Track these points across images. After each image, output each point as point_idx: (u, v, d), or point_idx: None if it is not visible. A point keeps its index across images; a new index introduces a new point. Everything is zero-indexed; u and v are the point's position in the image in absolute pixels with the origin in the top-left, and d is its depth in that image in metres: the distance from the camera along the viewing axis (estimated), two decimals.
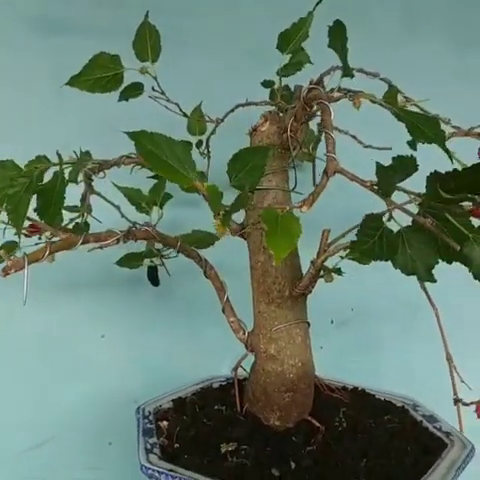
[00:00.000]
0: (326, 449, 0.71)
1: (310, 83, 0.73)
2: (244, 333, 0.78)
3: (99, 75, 0.79)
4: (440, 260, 0.60)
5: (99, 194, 0.86)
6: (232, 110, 0.88)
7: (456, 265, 0.59)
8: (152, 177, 0.93)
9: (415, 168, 0.60)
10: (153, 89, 0.85)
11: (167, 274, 0.95)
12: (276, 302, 0.76)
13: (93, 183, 0.87)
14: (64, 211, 0.81)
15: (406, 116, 0.66)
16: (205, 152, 0.93)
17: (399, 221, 0.62)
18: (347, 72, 0.73)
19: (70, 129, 1.05)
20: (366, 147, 0.90)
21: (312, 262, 0.71)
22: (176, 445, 0.72)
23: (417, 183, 0.61)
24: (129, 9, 1.06)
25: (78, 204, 0.86)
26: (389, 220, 0.62)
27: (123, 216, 0.88)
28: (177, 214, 1.02)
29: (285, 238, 0.58)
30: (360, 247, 0.59)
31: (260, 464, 0.67)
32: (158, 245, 0.91)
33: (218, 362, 0.95)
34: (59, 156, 0.69)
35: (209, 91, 0.96)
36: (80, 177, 0.82)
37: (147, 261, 0.94)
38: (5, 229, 0.70)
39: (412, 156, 0.60)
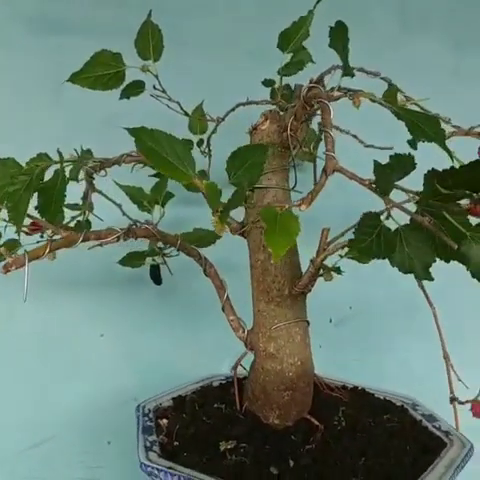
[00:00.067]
0: (325, 448, 0.71)
1: (310, 82, 0.74)
2: (244, 331, 0.78)
3: (100, 72, 0.80)
4: (438, 259, 0.60)
5: (100, 192, 0.86)
6: (233, 109, 0.88)
7: (454, 263, 0.59)
8: (154, 175, 0.93)
9: (413, 166, 0.60)
10: (154, 88, 0.85)
11: (169, 273, 0.96)
12: (276, 301, 0.76)
13: (94, 181, 0.87)
14: (65, 209, 0.82)
15: (406, 115, 0.66)
16: (206, 151, 0.94)
17: (397, 220, 0.62)
18: (347, 71, 0.73)
19: (71, 127, 1.05)
20: (367, 147, 0.91)
21: (311, 261, 0.71)
22: (176, 443, 0.72)
23: (416, 182, 0.61)
24: (130, 8, 1.07)
25: (79, 202, 0.86)
26: (387, 218, 0.62)
27: (124, 214, 0.88)
28: (179, 213, 1.03)
29: (284, 236, 0.59)
30: (358, 245, 0.59)
31: (259, 462, 0.67)
32: (160, 244, 0.91)
33: (218, 361, 0.95)
34: (60, 154, 0.69)
35: (210, 90, 0.97)
36: (81, 175, 0.82)
37: (149, 260, 0.95)
38: (6, 227, 0.70)
39: (410, 154, 0.60)
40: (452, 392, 0.68)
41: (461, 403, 0.66)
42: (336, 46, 0.72)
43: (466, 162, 0.58)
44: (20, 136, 1.00)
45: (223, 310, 0.79)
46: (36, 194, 0.67)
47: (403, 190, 0.64)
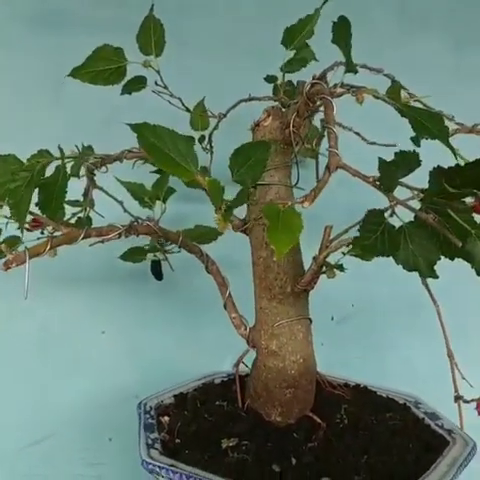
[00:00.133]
0: (327, 445, 0.71)
1: (313, 78, 0.73)
2: (246, 329, 0.78)
3: (102, 67, 0.79)
4: (442, 256, 0.60)
5: (101, 189, 0.86)
6: (235, 105, 0.88)
7: (458, 261, 0.59)
8: (155, 172, 0.93)
9: (418, 163, 0.60)
10: (156, 83, 0.84)
11: (170, 269, 0.96)
12: (278, 298, 0.76)
13: (95, 178, 0.87)
14: (66, 206, 0.82)
15: (410, 112, 0.65)
16: (208, 147, 0.93)
17: (402, 217, 0.61)
18: (350, 68, 0.73)
19: (72, 124, 1.05)
20: (370, 144, 0.90)
21: (314, 258, 0.71)
22: (177, 440, 0.72)
23: (421, 179, 0.60)
24: (130, 6, 1.06)
25: (80, 199, 0.86)
26: (391, 216, 0.61)
27: (126, 211, 0.87)
28: (180, 209, 1.02)
29: (286, 233, 0.58)
30: (362, 243, 0.58)
31: (261, 460, 0.67)
32: (162, 240, 0.91)
33: (220, 358, 0.95)
34: (61, 150, 0.69)
35: (212, 86, 0.96)
36: (82, 171, 0.82)
37: (150, 255, 0.94)
38: (7, 223, 0.70)
39: (415, 151, 0.60)
40: (457, 391, 0.68)
41: (466, 402, 0.66)
42: (339, 42, 0.72)
43: (470, 160, 0.58)
44: (20, 134, 0.99)
45: (225, 307, 0.78)
46: (37, 190, 0.67)
47: (408, 187, 0.64)
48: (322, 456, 0.68)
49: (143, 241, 0.92)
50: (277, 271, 0.76)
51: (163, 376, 0.89)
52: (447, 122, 0.68)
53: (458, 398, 0.67)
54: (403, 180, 0.63)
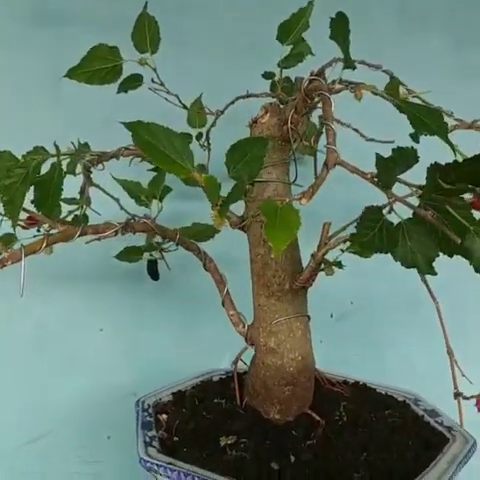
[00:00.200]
0: (326, 443, 0.70)
1: (311, 74, 0.73)
2: (244, 326, 0.77)
3: (98, 67, 0.79)
4: (441, 253, 0.59)
5: (98, 186, 0.85)
6: (232, 102, 0.87)
7: (457, 258, 0.59)
8: (152, 170, 0.92)
9: (416, 160, 0.59)
10: (152, 81, 0.84)
11: (167, 268, 0.95)
12: (276, 295, 0.75)
13: (92, 175, 0.86)
14: (63, 203, 0.81)
15: (408, 108, 0.65)
16: (205, 145, 0.93)
17: (400, 214, 0.61)
18: (349, 64, 0.72)
19: (70, 122, 1.04)
20: (368, 140, 0.90)
21: (312, 255, 0.71)
22: (175, 438, 0.72)
23: (419, 176, 0.60)
24: (127, 1, 1.05)
25: (77, 196, 0.85)
26: (389, 212, 0.61)
27: (122, 209, 0.87)
28: (177, 207, 1.02)
29: (284, 230, 0.58)
30: (360, 239, 0.58)
31: (259, 458, 0.67)
32: (158, 239, 0.91)
33: (218, 356, 0.95)
34: (57, 147, 0.68)
35: (209, 83, 0.96)
36: (79, 169, 0.82)
37: (147, 255, 0.94)
38: (2, 221, 0.69)
39: (413, 147, 0.60)
40: (456, 387, 0.68)
41: (466, 398, 0.66)
42: (337, 38, 0.71)
43: (469, 156, 0.57)
44: (18, 133, 0.98)
45: (223, 305, 0.78)
46: (32, 188, 0.66)
47: (406, 184, 0.63)
48: (321, 454, 0.68)
49: (139, 241, 0.92)
50: (275, 268, 0.75)
51: (161, 374, 0.88)
52: (446, 118, 0.68)
53: (458, 395, 0.67)
54: (402, 177, 0.63)
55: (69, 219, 0.83)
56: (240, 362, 0.82)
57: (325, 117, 0.64)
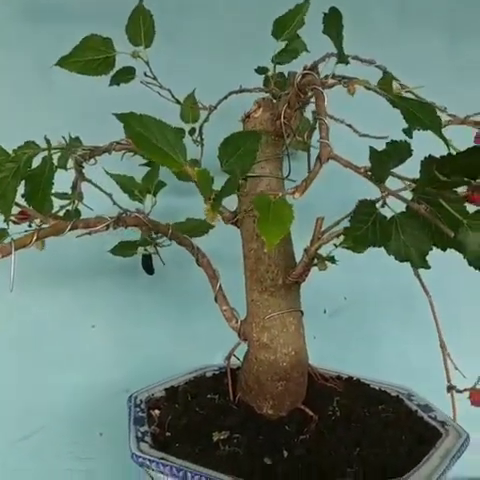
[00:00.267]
0: (319, 438, 0.70)
1: (304, 69, 0.72)
2: (237, 322, 0.77)
3: (90, 57, 0.78)
4: (434, 247, 0.59)
5: (90, 181, 0.84)
6: (225, 97, 0.87)
7: (452, 251, 0.59)
8: (145, 165, 0.92)
9: (409, 153, 0.59)
10: (145, 74, 0.83)
11: (162, 263, 0.95)
12: (269, 290, 0.75)
13: (85, 170, 0.85)
14: (55, 198, 0.81)
15: (401, 103, 0.65)
16: (198, 140, 0.92)
17: (394, 208, 0.61)
18: (342, 59, 0.72)
19: (60, 115, 1.03)
20: (362, 136, 0.90)
21: (305, 250, 0.70)
22: (168, 434, 0.72)
23: (412, 170, 0.60)
24: None
25: (69, 191, 0.85)
26: (383, 206, 0.61)
27: (115, 203, 0.86)
28: (171, 203, 1.01)
29: (277, 224, 0.58)
30: (353, 233, 0.58)
31: (252, 453, 0.67)
32: (153, 233, 0.90)
33: (211, 351, 0.94)
34: (47, 141, 0.68)
35: (202, 78, 0.95)
36: (71, 164, 0.81)
37: (141, 250, 0.94)
38: None
39: (406, 141, 0.59)
40: (449, 381, 0.68)
41: (459, 391, 0.66)
42: (330, 33, 0.71)
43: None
44: (8, 126, 0.97)
45: (216, 300, 0.78)
46: (23, 182, 0.66)
47: (399, 178, 0.63)
48: (314, 449, 0.68)
49: (134, 236, 0.91)
50: (268, 263, 0.75)
51: (154, 370, 0.88)
52: (439, 113, 0.68)
53: (451, 388, 0.67)
54: (395, 171, 0.62)
55: (61, 214, 0.82)
56: (234, 358, 0.82)
57: (318, 112, 0.64)
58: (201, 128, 0.92)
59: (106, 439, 1.04)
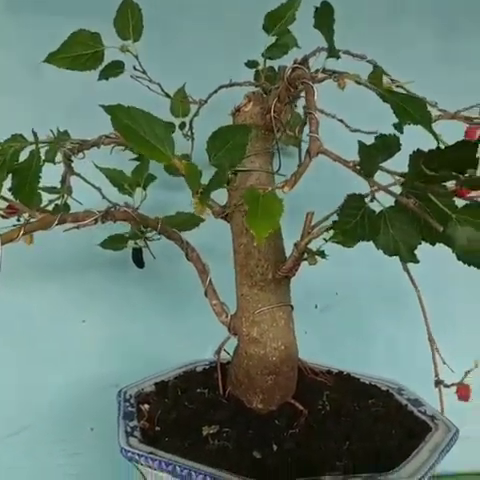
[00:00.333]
0: (309, 432, 0.70)
1: (294, 63, 0.72)
2: (227, 316, 0.77)
3: (78, 53, 0.78)
4: (424, 241, 0.59)
5: (79, 175, 0.84)
6: (215, 91, 0.87)
7: (442, 246, 0.59)
8: (135, 159, 0.91)
9: (398, 147, 0.59)
10: (135, 68, 0.83)
11: (152, 257, 0.94)
12: (259, 285, 0.75)
13: (74, 164, 0.85)
14: (44, 193, 0.80)
15: (391, 97, 0.65)
16: (189, 134, 0.92)
17: (383, 202, 0.61)
18: (333, 53, 0.72)
19: (49, 109, 1.03)
20: (353, 131, 0.90)
21: (295, 244, 0.70)
22: (157, 428, 0.71)
23: (402, 165, 0.60)
24: None
25: (59, 186, 0.84)
26: (372, 201, 0.61)
27: (104, 197, 0.86)
28: (162, 197, 1.01)
29: (266, 218, 0.58)
30: (342, 227, 0.58)
31: (241, 447, 0.67)
32: (143, 227, 0.90)
33: (202, 346, 0.94)
34: (35, 135, 0.67)
35: (193, 72, 0.95)
36: (60, 158, 0.80)
37: (131, 243, 0.93)
38: None
39: (395, 135, 0.59)
40: (437, 375, 0.68)
41: (446, 386, 0.66)
42: (321, 27, 0.71)
43: None
44: None
45: (206, 295, 0.78)
46: (10, 176, 0.65)
47: (388, 172, 0.63)
48: (303, 442, 0.68)
49: (125, 230, 0.91)
50: (258, 258, 0.75)
51: (144, 365, 0.88)
52: (430, 108, 0.68)
53: (438, 383, 0.67)
54: (385, 165, 0.62)
55: (50, 208, 0.82)
56: (225, 353, 0.82)
57: (308, 106, 0.64)
58: (191, 122, 0.91)
59: (98, 434, 1.04)
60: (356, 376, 0.87)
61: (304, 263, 0.73)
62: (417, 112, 0.63)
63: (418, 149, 0.55)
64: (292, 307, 0.78)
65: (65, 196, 0.82)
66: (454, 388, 0.67)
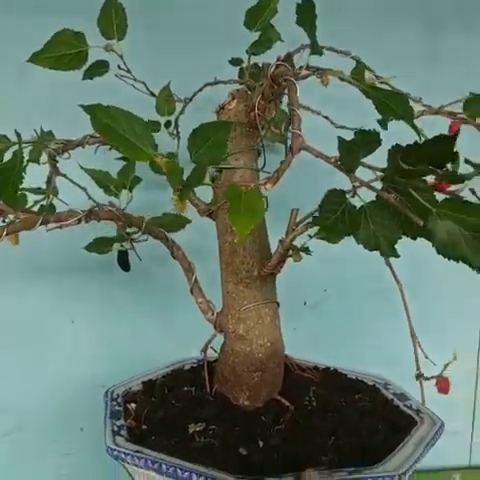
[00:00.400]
0: (295, 428, 0.71)
1: (278, 60, 0.72)
2: (213, 314, 0.77)
3: (62, 52, 0.78)
4: (404, 236, 0.59)
5: (65, 176, 0.84)
6: (200, 89, 0.87)
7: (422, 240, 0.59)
8: (121, 158, 0.91)
9: (378, 143, 0.59)
10: (119, 67, 0.83)
11: (138, 259, 0.94)
12: (244, 282, 0.75)
13: (60, 165, 0.85)
14: (29, 193, 0.80)
15: (374, 93, 0.65)
16: (174, 132, 0.92)
17: (367, 199, 0.61)
18: (316, 50, 0.72)
19: (33, 109, 1.02)
20: (338, 128, 0.90)
21: (280, 241, 0.70)
22: (144, 427, 0.72)
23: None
24: None
25: (45, 186, 0.84)
26: (353, 196, 0.61)
27: (90, 198, 0.86)
28: (148, 198, 1.01)
29: (248, 215, 0.57)
30: (322, 223, 0.58)
31: (227, 444, 0.67)
32: (128, 229, 0.89)
33: (190, 345, 0.94)
34: (18, 135, 0.67)
35: (177, 70, 0.95)
36: (45, 158, 0.80)
37: (117, 246, 0.93)
38: None
39: (375, 130, 0.59)
40: (418, 369, 0.69)
41: (427, 379, 0.67)
42: (303, 24, 0.71)
43: None
44: None
45: (192, 293, 0.78)
46: None
47: (369, 167, 0.63)
48: (289, 438, 0.68)
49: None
50: (243, 255, 0.75)
51: (132, 365, 0.88)
52: (414, 104, 0.68)
53: (419, 376, 0.68)
54: (369, 161, 0.63)
55: (35, 209, 0.81)
56: (212, 351, 0.82)
57: (290, 102, 0.64)
58: (177, 120, 0.91)
59: (88, 434, 1.04)
60: (343, 371, 0.88)
61: (293, 262, 0.73)
62: (399, 107, 0.63)
63: (397, 144, 0.55)
64: (278, 304, 0.78)
65: (51, 197, 0.81)
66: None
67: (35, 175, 0.77)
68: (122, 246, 0.92)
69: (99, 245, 0.89)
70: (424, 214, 0.56)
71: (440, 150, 0.53)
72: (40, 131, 0.78)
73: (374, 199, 0.60)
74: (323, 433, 0.70)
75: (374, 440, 0.70)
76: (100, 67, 0.82)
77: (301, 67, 0.73)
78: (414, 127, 0.63)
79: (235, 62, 0.85)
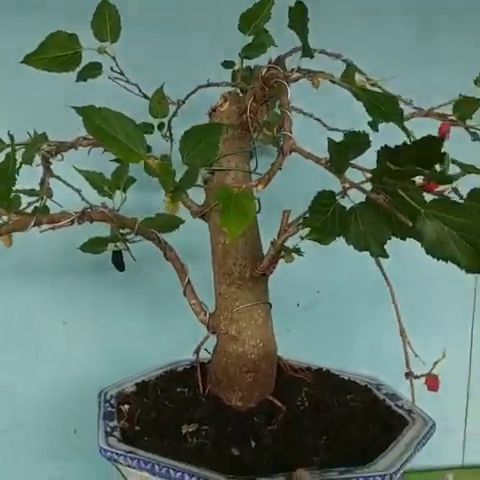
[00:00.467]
0: (287, 428, 0.71)
1: (269, 63, 0.73)
2: (205, 315, 0.77)
3: (56, 54, 0.78)
4: (394, 236, 0.60)
5: (58, 177, 0.84)
6: (193, 91, 0.87)
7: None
8: (115, 160, 0.91)
9: (368, 144, 0.60)
10: (112, 69, 0.83)
11: (132, 259, 0.94)
12: (237, 283, 0.75)
13: (53, 167, 0.85)
14: (23, 195, 0.81)
15: (364, 95, 0.66)
16: (167, 135, 0.92)
17: (356, 200, 0.61)
18: (307, 52, 0.73)
19: (28, 111, 1.02)
20: (330, 130, 0.91)
21: (272, 243, 0.71)
22: (137, 428, 0.72)
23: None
24: None
25: (38, 188, 0.84)
26: (343, 197, 0.61)
27: (83, 199, 0.86)
28: (142, 199, 1.01)
29: (239, 216, 0.58)
30: (312, 224, 0.58)
31: (220, 444, 0.67)
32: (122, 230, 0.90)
33: (183, 346, 0.94)
34: (11, 137, 0.67)
35: (171, 73, 0.95)
36: (38, 160, 0.81)
37: (112, 246, 0.93)
38: None
39: (364, 132, 0.60)
40: (408, 367, 0.69)
41: (416, 377, 0.67)
42: (295, 27, 0.72)
43: None
44: None
45: (185, 294, 0.78)
46: None
47: (359, 168, 0.63)
48: (281, 438, 0.69)
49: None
50: (236, 256, 0.76)
51: (125, 366, 0.88)
52: (405, 106, 0.68)
53: (409, 374, 0.68)
54: (359, 162, 0.63)
55: (29, 211, 0.82)
56: (206, 352, 0.82)
57: (281, 104, 0.64)
58: (170, 123, 0.92)
59: (81, 436, 1.04)
60: (335, 372, 0.88)
61: (286, 263, 0.74)
62: (389, 109, 0.64)
63: (385, 145, 0.56)
64: (270, 305, 0.78)
65: (44, 198, 0.82)
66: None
67: (30, 177, 0.78)
68: (116, 246, 0.92)
69: (94, 245, 0.89)
70: (413, 215, 0.57)
71: (428, 151, 0.54)
72: (34, 133, 0.78)
73: (364, 200, 0.61)
74: (315, 433, 0.70)
75: (365, 440, 0.70)
76: (93, 69, 0.82)
77: (292, 70, 0.73)
78: (404, 129, 0.64)
79: (227, 65, 0.86)
